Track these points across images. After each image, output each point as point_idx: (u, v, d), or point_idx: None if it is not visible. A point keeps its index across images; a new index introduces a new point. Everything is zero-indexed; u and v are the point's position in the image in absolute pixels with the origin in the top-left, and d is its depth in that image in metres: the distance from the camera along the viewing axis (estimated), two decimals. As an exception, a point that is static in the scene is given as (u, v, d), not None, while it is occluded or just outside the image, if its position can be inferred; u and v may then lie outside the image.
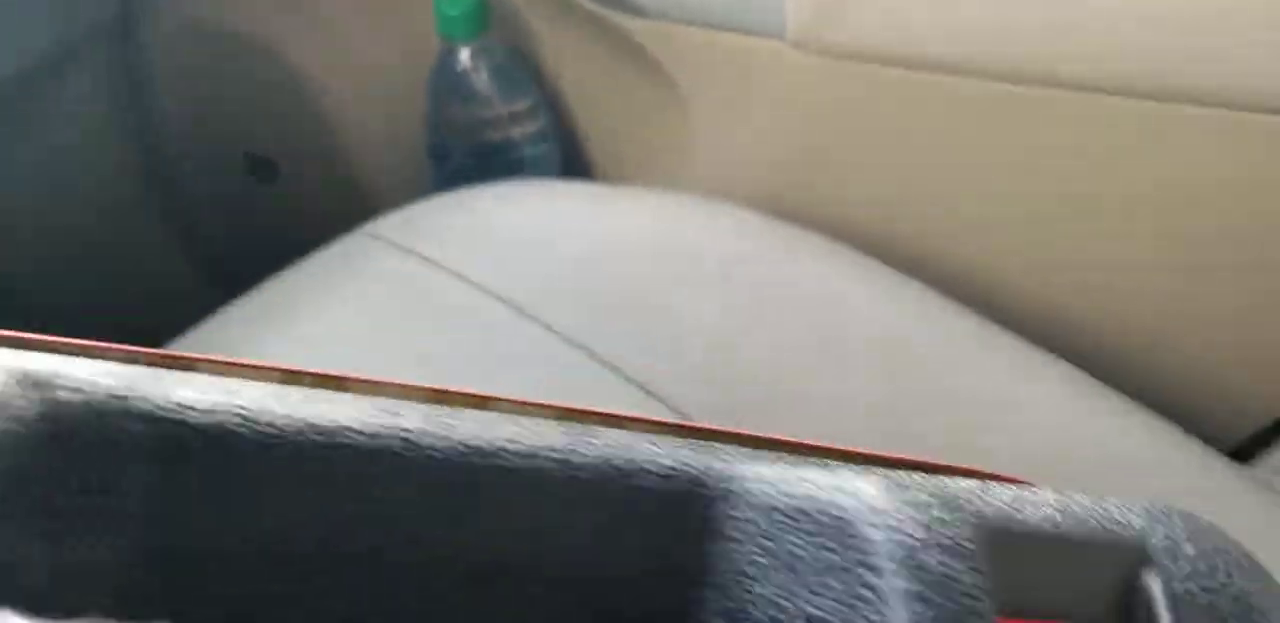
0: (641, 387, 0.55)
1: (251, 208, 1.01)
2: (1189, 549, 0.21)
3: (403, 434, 0.21)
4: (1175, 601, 0.20)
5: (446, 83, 0.87)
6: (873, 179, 0.76)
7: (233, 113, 0.96)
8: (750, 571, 0.21)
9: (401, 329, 0.59)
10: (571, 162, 0.93)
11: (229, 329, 0.63)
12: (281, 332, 0.61)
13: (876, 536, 0.19)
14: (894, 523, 0.20)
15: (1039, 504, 0.21)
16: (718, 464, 0.22)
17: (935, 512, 0.20)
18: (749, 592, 0.21)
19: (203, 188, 1.00)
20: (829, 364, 0.61)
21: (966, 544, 0.20)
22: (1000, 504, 0.21)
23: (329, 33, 0.90)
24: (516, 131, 0.88)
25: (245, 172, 0.99)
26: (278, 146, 0.97)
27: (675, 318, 0.60)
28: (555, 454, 0.21)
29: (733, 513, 0.21)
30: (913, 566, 0.19)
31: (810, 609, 0.20)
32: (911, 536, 0.19)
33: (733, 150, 0.81)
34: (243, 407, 0.20)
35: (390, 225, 0.70)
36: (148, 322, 0.59)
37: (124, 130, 0.95)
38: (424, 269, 0.64)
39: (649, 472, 0.21)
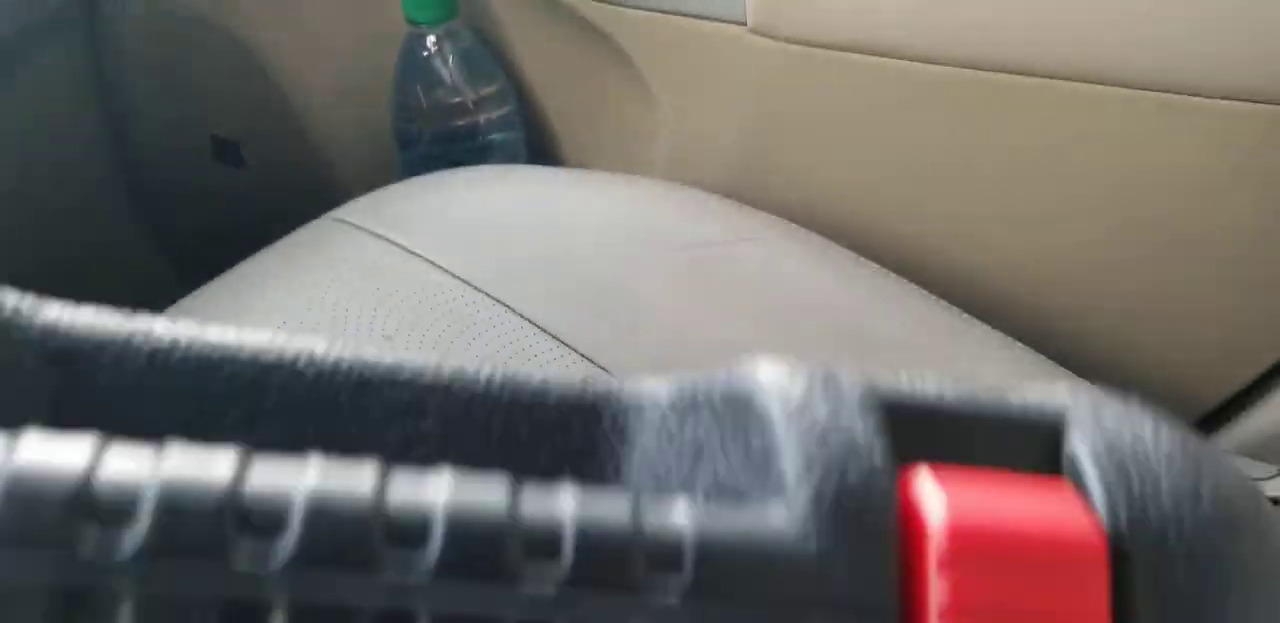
0: (603, 369, 0.56)
1: (219, 193, 1.01)
2: (1110, 414, 0.22)
3: (303, 349, 0.22)
4: (1099, 458, 0.21)
5: (413, 68, 0.88)
6: (834, 164, 0.77)
7: (199, 97, 0.96)
8: (656, 457, 0.22)
9: (368, 313, 0.60)
10: (537, 146, 0.94)
11: (195, 314, 0.64)
12: (247, 316, 0.62)
13: (774, 405, 0.20)
14: (789, 392, 0.20)
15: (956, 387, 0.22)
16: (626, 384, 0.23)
17: (838, 383, 0.21)
18: (654, 475, 0.22)
19: (170, 172, 1.01)
20: (787, 347, 0.62)
21: (866, 402, 0.20)
22: (910, 385, 0.21)
23: (297, 17, 0.90)
24: (483, 117, 0.89)
25: (212, 156, 0.99)
26: (244, 131, 0.98)
27: (636, 300, 0.62)
28: (466, 372, 0.22)
29: (635, 414, 0.22)
30: (806, 423, 0.20)
31: (710, 477, 0.21)
32: (808, 400, 0.20)
33: (696, 135, 0.82)
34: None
35: (357, 210, 0.71)
36: (114, 307, 0.59)
37: (90, 114, 0.95)
38: (391, 253, 0.65)
39: (555, 385, 0.22)
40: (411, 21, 0.86)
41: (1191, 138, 0.67)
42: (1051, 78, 0.66)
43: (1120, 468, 0.21)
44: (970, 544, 0.19)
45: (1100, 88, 0.65)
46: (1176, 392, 0.76)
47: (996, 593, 0.19)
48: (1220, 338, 0.74)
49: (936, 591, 0.19)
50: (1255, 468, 0.78)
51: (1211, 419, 0.79)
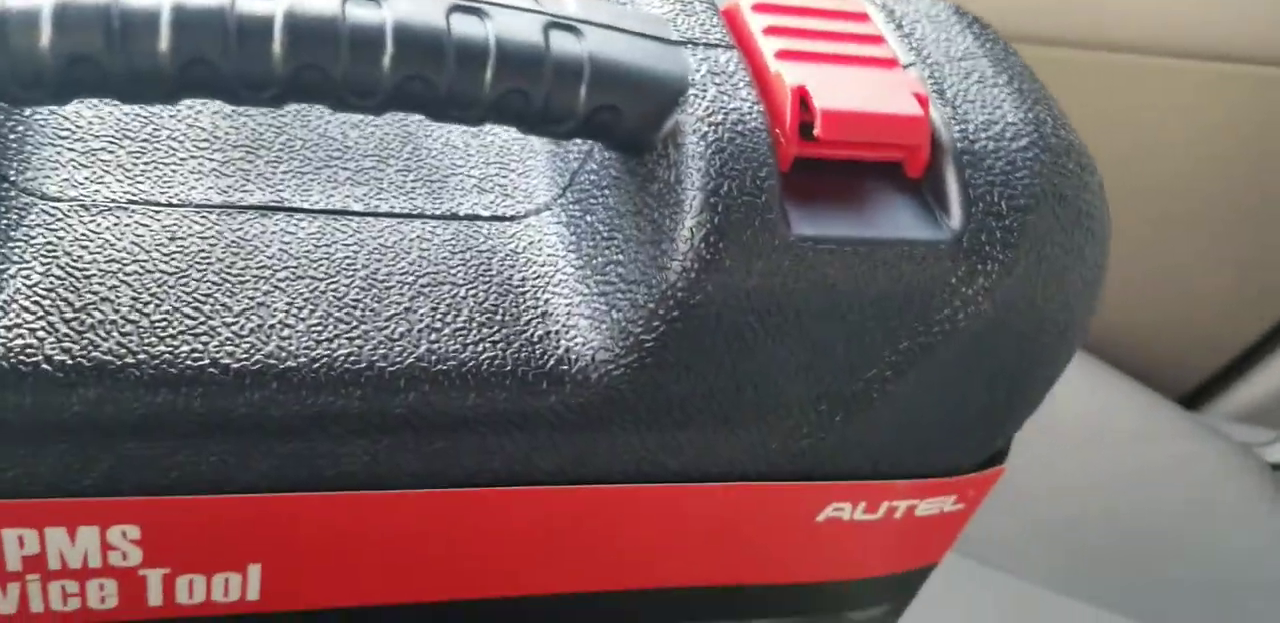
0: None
1: None
2: (713, 86, 0.26)
3: None
4: (704, 132, 0.25)
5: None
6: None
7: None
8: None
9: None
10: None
11: None
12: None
13: None
14: None
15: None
16: None
17: None
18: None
19: None
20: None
21: None
22: None
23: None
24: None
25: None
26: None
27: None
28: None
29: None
30: None
31: None
32: None
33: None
34: None
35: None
36: None
37: None
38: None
39: None
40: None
41: (1184, 102, 0.71)
42: (1039, 44, 0.72)
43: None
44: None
45: (1089, 53, 0.71)
46: (1175, 359, 0.81)
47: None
48: (1216, 305, 0.78)
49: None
50: (1256, 433, 0.81)
51: (1210, 386, 0.83)
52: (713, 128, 0.25)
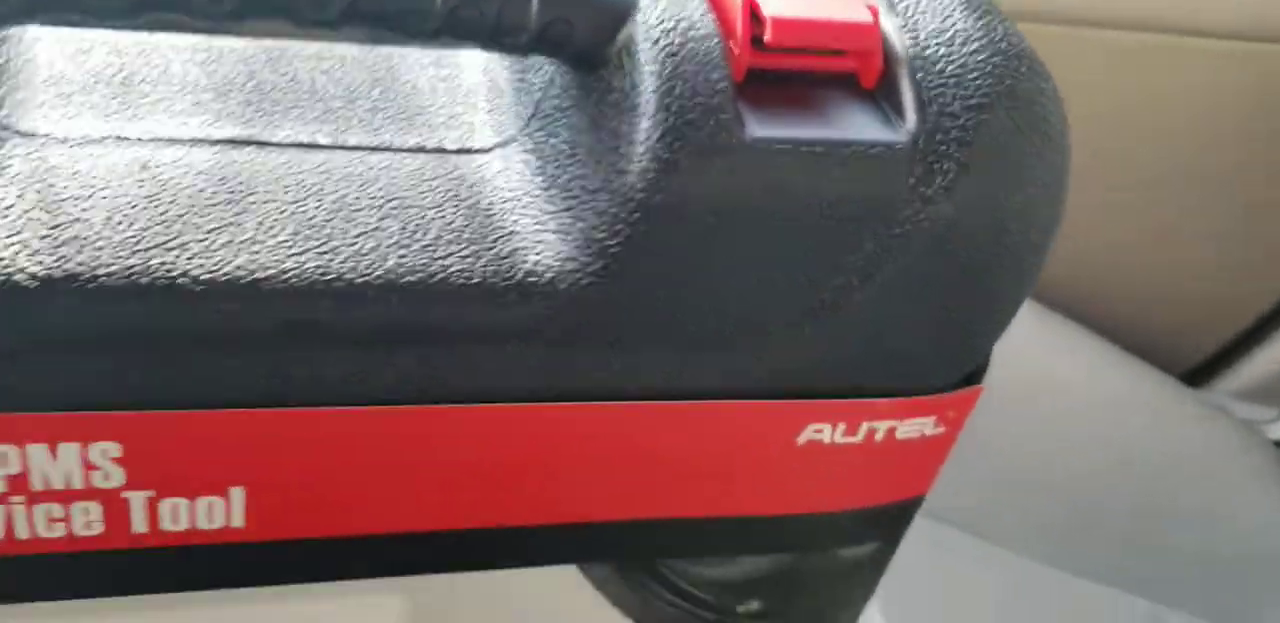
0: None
1: None
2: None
3: None
4: (656, 38, 0.26)
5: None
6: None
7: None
8: None
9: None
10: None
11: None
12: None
13: None
14: None
15: None
16: None
17: None
18: None
19: None
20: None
21: None
22: None
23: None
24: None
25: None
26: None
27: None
28: None
29: None
30: None
31: None
32: None
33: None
34: None
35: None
36: None
37: None
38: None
39: None
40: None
41: (1187, 79, 0.71)
42: (1039, 21, 0.73)
43: None
44: None
45: (1087, 30, 0.72)
46: (1178, 337, 0.81)
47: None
48: (1220, 283, 0.78)
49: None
50: (1257, 411, 0.81)
51: (1212, 365, 0.83)
52: (664, 33, 0.25)
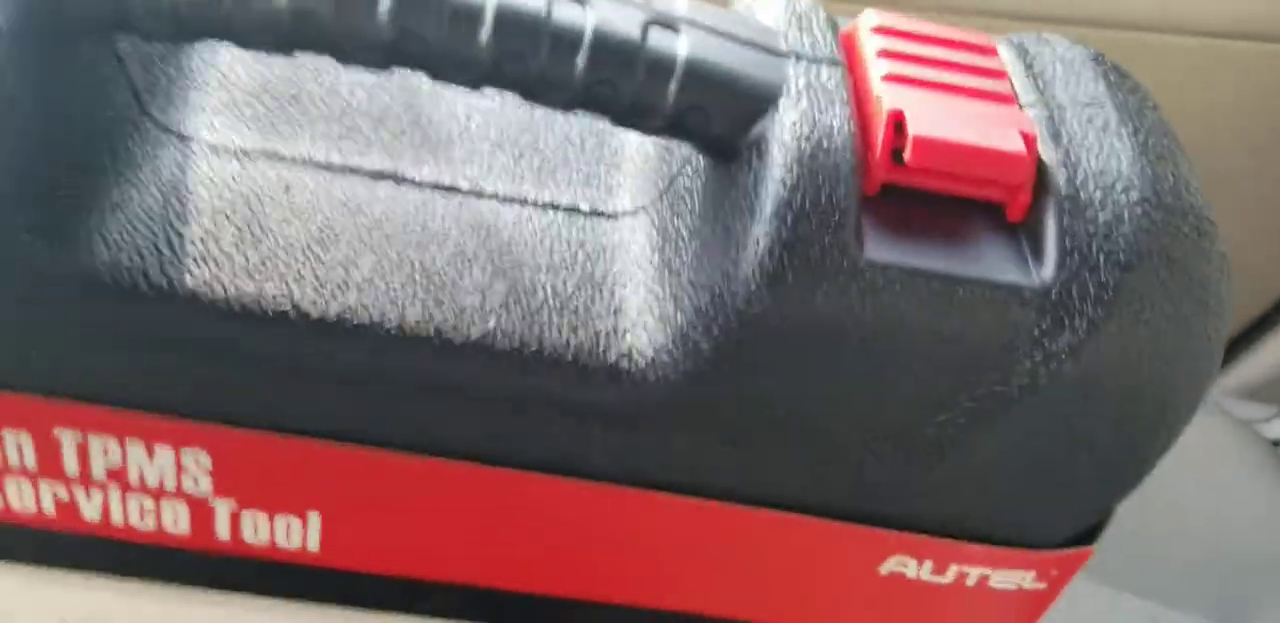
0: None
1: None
2: (807, 98, 0.25)
3: None
4: (788, 142, 0.25)
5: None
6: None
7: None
8: None
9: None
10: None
11: None
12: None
13: None
14: None
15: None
16: None
17: None
18: None
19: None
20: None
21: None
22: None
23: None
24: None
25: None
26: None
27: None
28: None
29: None
30: None
31: None
32: None
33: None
34: None
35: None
36: None
37: None
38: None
39: None
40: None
41: (1184, 79, 0.70)
42: (1043, 21, 0.69)
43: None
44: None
45: (1088, 30, 0.67)
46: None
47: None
48: None
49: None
50: (1254, 410, 0.77)
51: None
52: (796, 139, 0.24)
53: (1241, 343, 0.82)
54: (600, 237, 0.29)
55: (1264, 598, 0.66)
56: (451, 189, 0.30)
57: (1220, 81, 0.72)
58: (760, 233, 0.24)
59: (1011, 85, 0.27)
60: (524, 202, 0.30)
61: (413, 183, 0.29)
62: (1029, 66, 0.27)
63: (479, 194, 0.30)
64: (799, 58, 0.26)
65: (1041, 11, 0.71)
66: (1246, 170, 0.77)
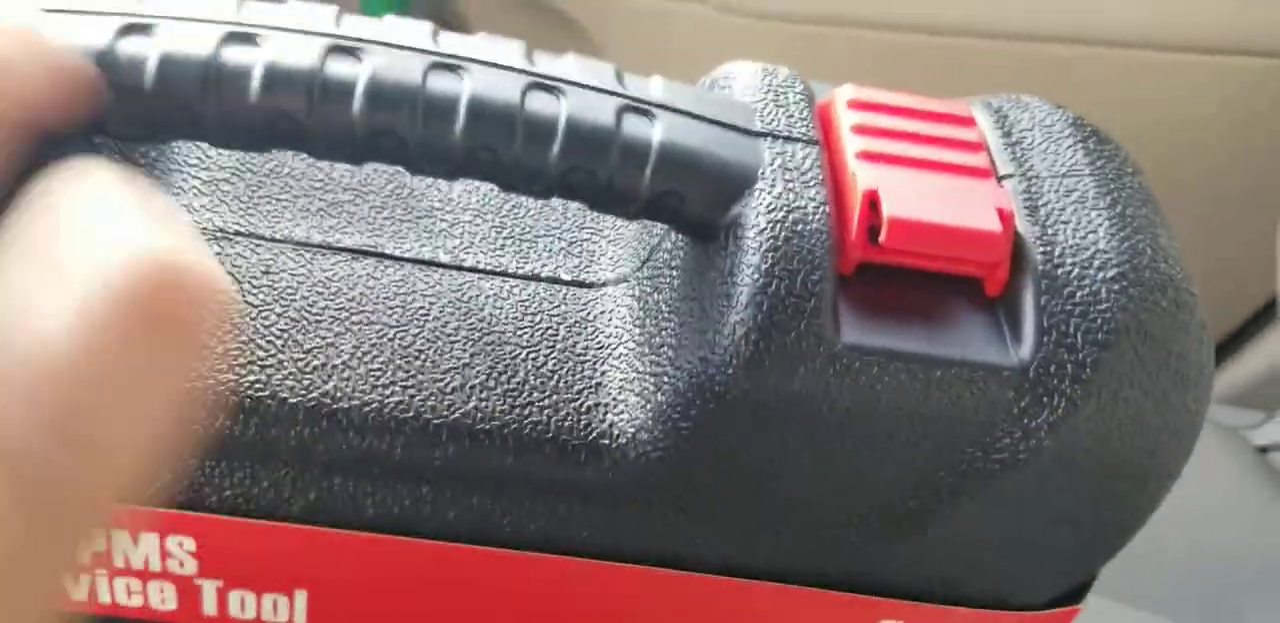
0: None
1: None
2: (782, 180, 0.25)
3: None
4: (762, 226, 0.25)
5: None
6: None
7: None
8: None
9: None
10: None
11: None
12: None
13: None
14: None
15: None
16: None
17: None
18: None
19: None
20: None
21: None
22: None
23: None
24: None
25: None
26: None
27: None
28: None
29: None
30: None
31: None
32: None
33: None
34: None
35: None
36: None
37: None
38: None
39: None
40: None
41: (1166, 93, 0.72)
42: (1034, 41, 0.70)
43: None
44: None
45: (1082, 48, 0.68)
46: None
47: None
48: (1202, 289, 0.74)
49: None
50: (1242, 416, 0.77)
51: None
52: (771, 224, 0.25)
53: (1228, 349, 0.83)
54: (582, 308, 0.29)
55: (1252, 605, 0.67)
56: (432, 264, 0.30)
57: (1204, 93, 0.74)
58: (736, 320, 0.24)
59: (989, 156, 0.27)
60: (505, 273, 0.30)
61: (394, 259, 0.29)
62: (1007, 134, 0.28)
63: (460, 267, 0.30)
64: (774, 137, 0.26)
65: (1034, 31, 0.71)
66: (1233, 180, 0.77)
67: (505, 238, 0.31)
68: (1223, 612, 0.67)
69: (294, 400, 0.26)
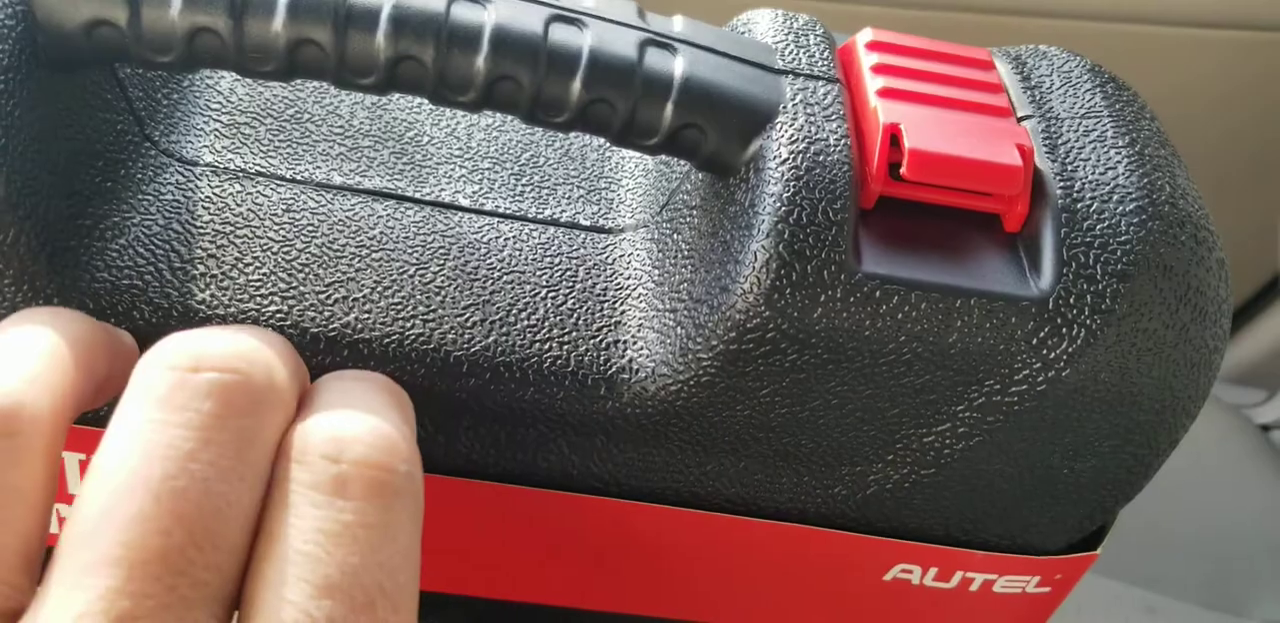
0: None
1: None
2: (803, 115, 0.26)
3: None
4: (784, 158, 0.25)
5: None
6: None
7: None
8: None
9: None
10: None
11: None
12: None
13: None
14: None
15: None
16: None
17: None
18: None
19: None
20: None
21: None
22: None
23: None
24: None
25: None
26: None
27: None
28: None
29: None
30: None
31: None
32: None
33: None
34: None
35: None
36: None
37: None
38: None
39: None
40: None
41: (1166, 69, 0.72)
42: (1031, 16, 0.70)
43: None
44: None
45: (1080, 23, 0.68)
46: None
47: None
48: None
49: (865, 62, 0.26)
50: (1244, 394, 0.78)
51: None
52: (793, 155, 0.25)
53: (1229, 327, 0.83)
54: (600, 252, 0.30)
55: (1257, 582, 0.68)
56: (452, 207, 0.30)
57: (1205, 71, 0.74)
58: (758, 248, 0.25)
59: (1008, 98, 0.27)
60: (524, 218, 0.30)
61: (413, 201, 0.30)
62: (1026, 78, 0.28)
63: (479, 211, 0.30)
64: (795, 74, 0.26)
65: (1032, 6, 0.72)
66: (1237, 157, 0.77)
67: (525, 185, 0.31)
68: (1227, 588, 0.68)
69: (315, 330, 0.27)
